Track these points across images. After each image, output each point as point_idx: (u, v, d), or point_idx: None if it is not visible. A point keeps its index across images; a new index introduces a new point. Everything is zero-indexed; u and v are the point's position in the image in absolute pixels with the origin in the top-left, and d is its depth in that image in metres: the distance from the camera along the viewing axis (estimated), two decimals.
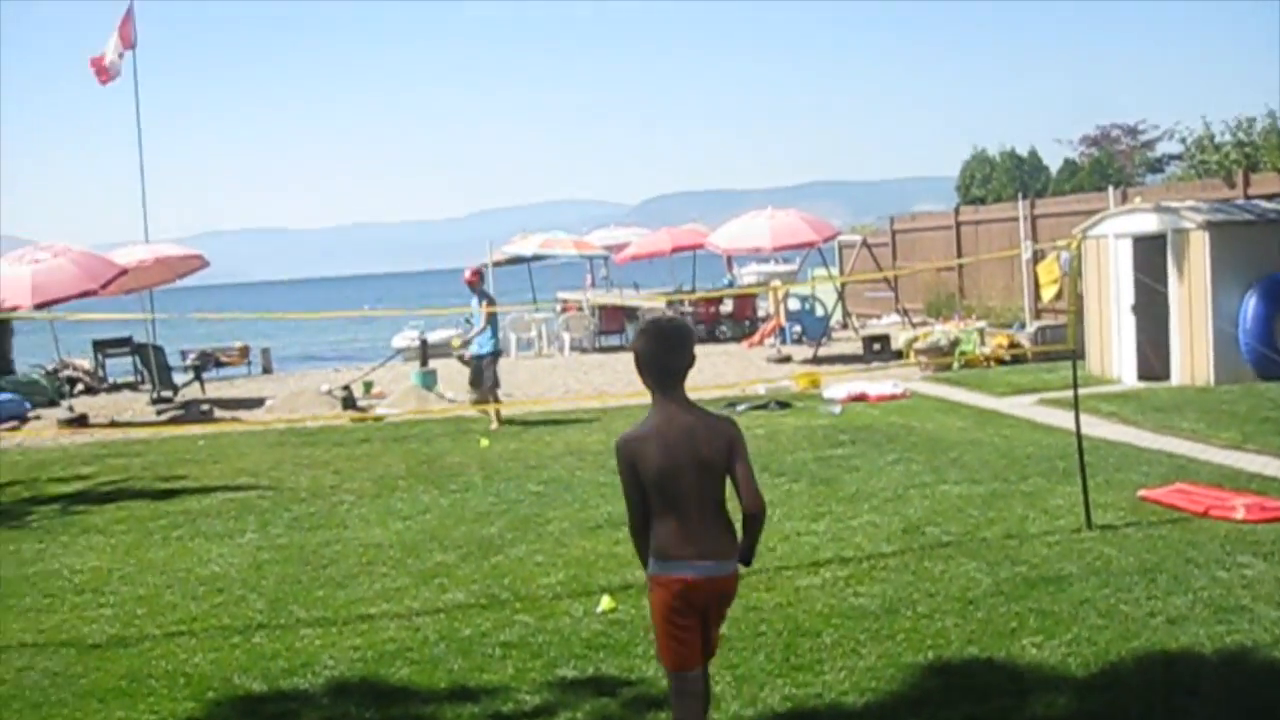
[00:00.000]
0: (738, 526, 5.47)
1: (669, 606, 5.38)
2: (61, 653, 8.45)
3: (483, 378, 18.85)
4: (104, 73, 28.81)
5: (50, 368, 29.18)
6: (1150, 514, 10.43)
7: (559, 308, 35.40)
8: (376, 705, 7.06)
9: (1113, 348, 19.86)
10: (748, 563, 5.59)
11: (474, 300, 19.01)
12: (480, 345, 18.88)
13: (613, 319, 33.91)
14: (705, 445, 5.37)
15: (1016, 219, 28.65)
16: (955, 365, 22.65)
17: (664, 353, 5.45)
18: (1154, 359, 18.98)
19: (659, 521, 5.37)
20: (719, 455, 5.39)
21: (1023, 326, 25.98)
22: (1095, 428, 14.74)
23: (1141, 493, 11.13)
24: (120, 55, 28.91)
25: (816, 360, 25.91)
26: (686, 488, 5.33)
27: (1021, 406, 17.52)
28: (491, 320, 18.88)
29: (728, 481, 5.44)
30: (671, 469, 5.31)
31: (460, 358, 20.59)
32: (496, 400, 18.81)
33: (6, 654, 8.49)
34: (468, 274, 19.40)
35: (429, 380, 22.89)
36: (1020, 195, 32.08)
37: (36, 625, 9.20)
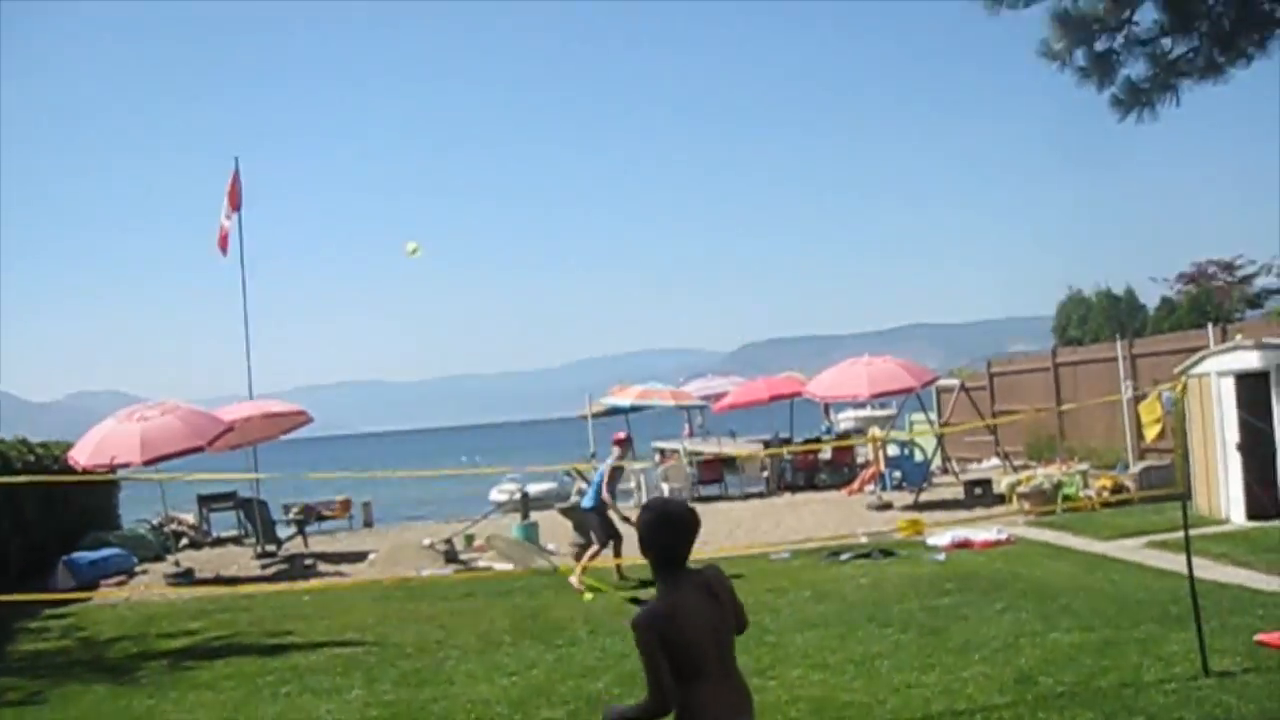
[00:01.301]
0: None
1: None
2: None
3: (600, 530, 18.80)
4: (224, 244, 29.53)
5: (156, 522, 29.52)
6: (1268, 659, 10.27)
7: (657, 458, 35.43)
8: None
9: (1220, 487, 19.58)
10: None
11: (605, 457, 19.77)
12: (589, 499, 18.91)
13: (711, 469, 33.82)
14: (722, 597, 5.49)
15: (1115, 359, 28.42)
16: (1059, 509, 22.37)
17: (676, 537, 5.52)
18: (1263, 497, 18.69)
19: (692, 692, 5.31)
20: (730, 603, 5.53)
21: (1126, 467, 25.64)
22: (1207, 570, 14.47)
23: (1259, 637, 10.95)
24: (228, 218, 29.60)
25: (918, 506, 25.69)
26: (711, 650, 5.35)
27: (1129, 550, 17.29)
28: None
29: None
30: (697, 634, 5.32)
31: (562, 510, 20.77)
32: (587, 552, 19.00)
33: None
34: (621, 435, 20.17)
35: (531, 533, 22.94)
36: (1119, 335, 31.82)
37: None
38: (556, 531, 22.97)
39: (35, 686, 13.46)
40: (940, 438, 30.65)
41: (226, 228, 29.48)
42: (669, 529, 5.52)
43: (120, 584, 22.19)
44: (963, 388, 32.63)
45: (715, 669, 5.37)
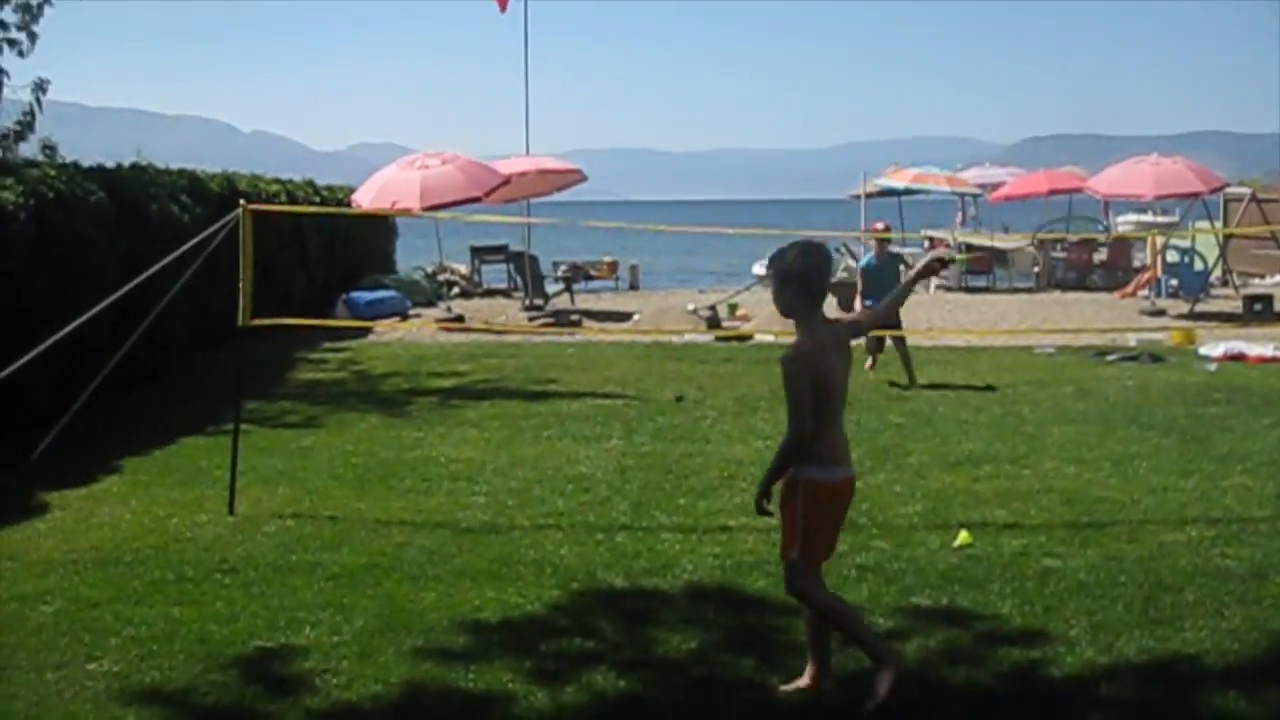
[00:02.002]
0: None
1: (831, 506, 5.90)
2: (437, 533, 8.95)
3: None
4: (503, 2, 29.57)
5: (430, 269, 30.48)
6: None
7: (926, 244, 34.99)
8: (733, 612, 7.27)
9: None
10: None
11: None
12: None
13: (981, 260, 33.29)
14: (847, 352, 5.94)
15: None
16: None
17: (826, 270, 5.93)
18: None
19: (822, 432, 5.72)
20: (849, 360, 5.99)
21: None
22: None
23: None
24: None
25: (1192, 316, 24.98)
26: (841, 396, 5.86)
27: None
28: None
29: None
30: (835, 379, 5.80)
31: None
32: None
33: (388, 529, 9.04)
34: (880, 226, 17.62)
35: None
36: None
37: (415, 506, 9.77)
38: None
39: (313, 412, 14.17)
40: (1223, 248, 29.55)
41: None
42: (828, 268, 6.02)
43: (395, 324, 23.03)
44: (1254, 198, 31.30)
45: (839, 414, 5.86)
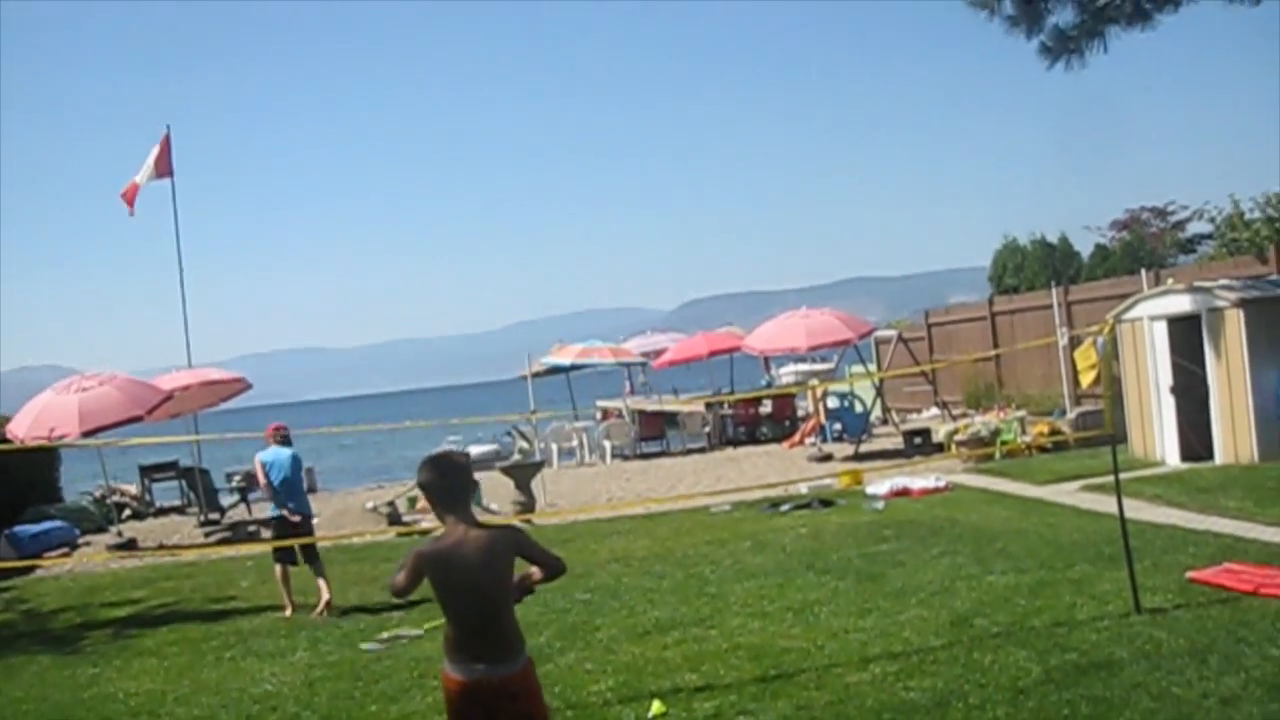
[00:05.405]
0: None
1: (450, 703, 5.84)
2: None
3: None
4: (131, 200, 29.19)
5: (98, 494, 29.37)
6: (1199, 595, 10.39)
7: (599, 415, 35.46)
8: None
9: (1154, 430, 19.81)
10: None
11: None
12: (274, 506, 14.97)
13: (652, 425, 33.95)
14: (491, 558, 5.83)
15: (1051, 306, 28.58)
16: (997, 455, 22.62)
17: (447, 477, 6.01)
18: (1195, 440, 18.92)
19: (447, 626, 5.89)
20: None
21: (1063, 413, 25.89)
22: (1140, 511, 14.68)
23: (1190, 574, 11.08)
24: (154, 178, 29.21)
25: (858, 457, 25.89)
26: (466, 599, 5.82)
27: (1065, 494, 17.46)
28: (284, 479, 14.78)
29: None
30: (454, 582, 5.84)
31: (504, 470, 20.75)
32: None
33: None
34: (270, 429, 15.24)
35: (474, 494, 22.98)
36: (1053, 283, 31.97)
37: None
38: (499, 491, 23.01)
39: None
40: (879, 389, 30.83)
41: (138, 186, 29.14)
42: (439, 472, 6.05)
43: (63, 556, 22.11)
44: (900, 339, 32.82)
45: (465, 616, 5.83)
